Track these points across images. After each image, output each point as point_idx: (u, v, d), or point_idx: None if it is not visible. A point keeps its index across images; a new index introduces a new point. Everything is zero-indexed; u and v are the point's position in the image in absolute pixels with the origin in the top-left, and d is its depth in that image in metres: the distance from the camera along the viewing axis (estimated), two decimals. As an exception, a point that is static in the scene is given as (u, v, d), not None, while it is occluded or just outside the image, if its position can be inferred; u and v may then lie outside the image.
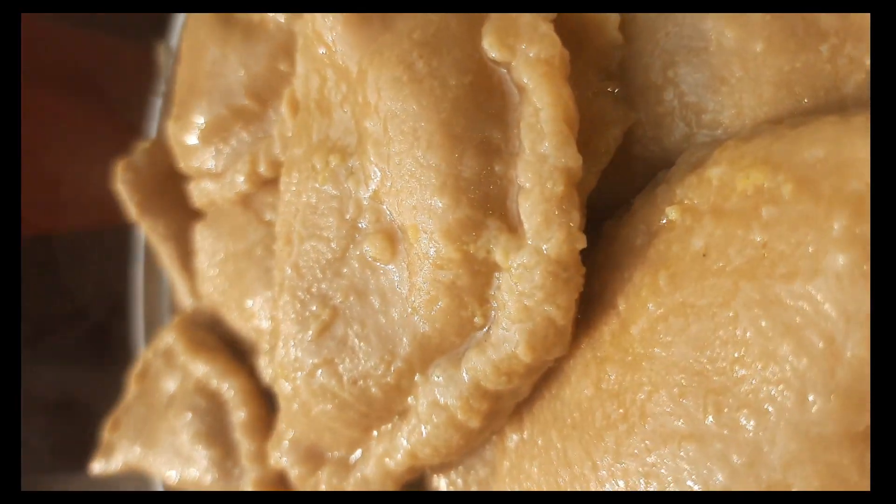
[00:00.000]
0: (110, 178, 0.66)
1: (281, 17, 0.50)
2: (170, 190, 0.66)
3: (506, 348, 0.35)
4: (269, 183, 0.54)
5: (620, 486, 0.31)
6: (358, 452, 0.45)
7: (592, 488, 0.33)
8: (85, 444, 0.69)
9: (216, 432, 0.56)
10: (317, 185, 0.40)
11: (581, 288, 0.33)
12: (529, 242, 0.33)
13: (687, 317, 0.30)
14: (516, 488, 0.38)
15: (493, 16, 0.34)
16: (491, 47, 0.33)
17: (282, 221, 0.43)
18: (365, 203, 0.38)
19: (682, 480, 0.29)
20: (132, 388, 0.70)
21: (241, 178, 0.52)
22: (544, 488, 0.36)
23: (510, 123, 0.33)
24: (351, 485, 0.43)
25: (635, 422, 0.31)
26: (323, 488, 0.44)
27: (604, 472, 0.33)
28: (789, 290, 0.27)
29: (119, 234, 0.77)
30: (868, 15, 0.32)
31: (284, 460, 0.47)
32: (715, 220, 0.30)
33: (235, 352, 0.59)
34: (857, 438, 0.26)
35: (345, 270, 0.40)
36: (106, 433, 0.69)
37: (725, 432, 0.28)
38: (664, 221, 0.32)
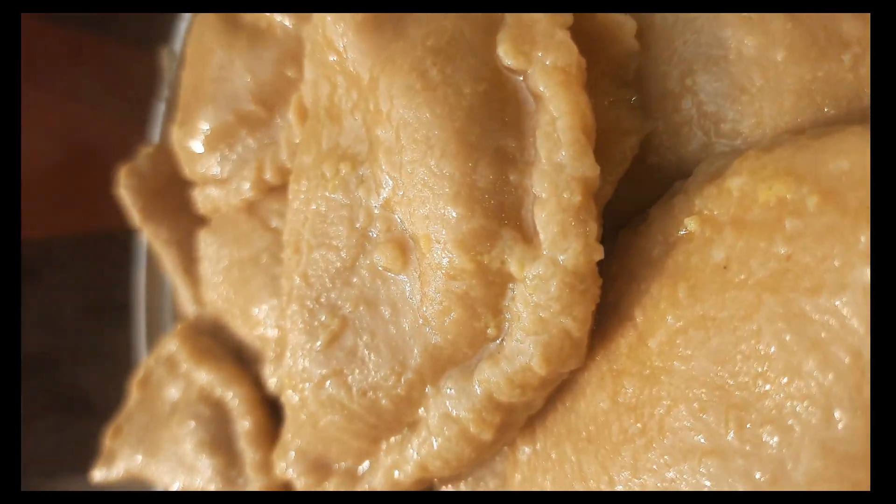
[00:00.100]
0: (113, 183, 0.66)
1: (288, 22, 0.49)
2: (173, 196, 0.65)
3: (520, 360, 0.34)
4: (275, 190, 0.53)
5: (638, 502, 0.31)
6: (366, 464, 0.44)
7: (609, 504, 0.32)
8: (85, 449, 0.69)
9: (220, 441, 0.56)
10: (326, 194, 0.39)
11: (598, 299, 0.32)
12: (545, 253, 0.32)
13: (707, 330, 0.29)
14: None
15: (509, 23, 0.34)
16: (506, 55, 0.33)
17: (290, 230, 0.42)
18: (376, 212, 0.37)
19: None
20: (134, 395, 0.69)
21: (246, 185, 0.52)
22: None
23: (525, 132, 0.33)
24: (359, 497, 0.43)
25: (654, 436, 0.31)
26: (331, 500, 0.44)
27: (621, 487, 0.32)
28: (815, 304, 0.26)
29: (120, 239, 0.77)
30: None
31: (290, 471, 0.47)
32: (736, 231, 0.29)
33: (240, 360, 0.59)
34: (884, 456, 0.26)
35: (354, 280, 0.39)
36: (107, 440, 0.68)
37: (748, 448, 0.28)
38: (682, 232, 0.32)
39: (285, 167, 0.50)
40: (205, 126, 0.54)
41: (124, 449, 0.66)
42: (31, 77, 0.72)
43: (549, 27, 0.32)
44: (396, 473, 0.41)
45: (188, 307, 0.67)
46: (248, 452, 0.54)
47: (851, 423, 0.25)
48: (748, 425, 0.28)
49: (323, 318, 0.40)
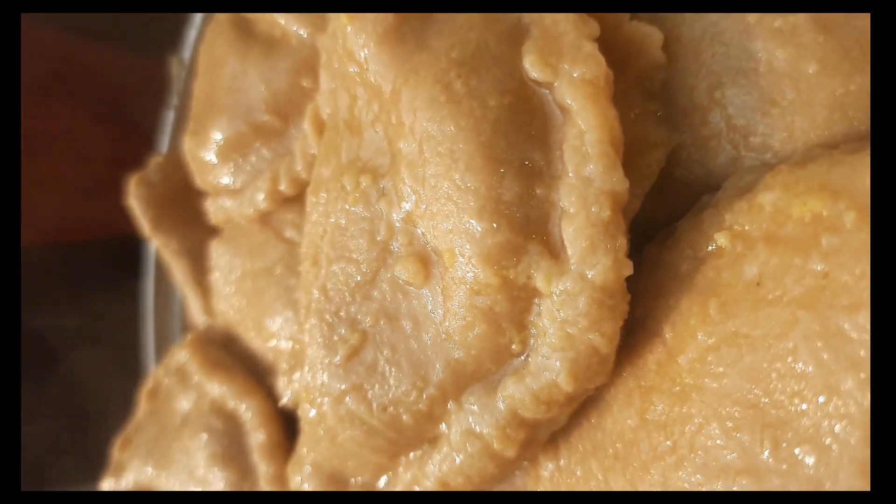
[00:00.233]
0: (123, 192, 0.65)
1: (303, 32, 0.49)
2: (183, 205, 0.65)
3: (546, 377, 0.34)
4: (289, 200, 0.53)
5: (669, 522, 0.30)
6: (384, 479, 0.44)
7: (638, 523, 0.32)
8: (92, 459, 0.68)
9: (233, 454, 0.55)
10: (346, 206, 0.39)
11: (626, 315, 0.32)
12: (573, 268, 0.32)
13: (740, 347, 0.29)
14: (552, 519, 0.37)
15: (534, 34, 0.33)
16: (533, 67, 0.32)
17: (308, 242, 0.42)
18: (397, 225, 0.37)
19: (736, 517, 0.28)
20: (142, 406, 0.68)
21: (261, 196, 0.51)
22: (584, 520, 0.35)
23: (552, 145, 0.32)
24: (377, 513, 0.42)
25: (684, 454, 0.30)
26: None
27: (650, 506, 0.31)
28: (853, 321, 0.26)
29: (129, 247, 0.76)
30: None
31: (306, 485, 0.46)
32: (769, 247, 0.29)
33: (252, 371, 0.58)
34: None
35: (375, 294, 0.38)
36: (115, 452, 0.67)
37: (784, 467, 0.27)
38: (712, 247, 0.31)
39: (300, 178, 0.50)
40: (218, 136, 0.53)
41: (133, 461, 0.65)
42: (39, 86, 0.72)
43: (577, 39, 0.32)
44: (416, 489, 0.40)
45: (198, 318, 0.67)
46: (262, 466, 0.53)
47: (893, 443, 0.25)
48: (784, 444, 0.27)
49: (342, 332, 0.39)
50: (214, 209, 0.57)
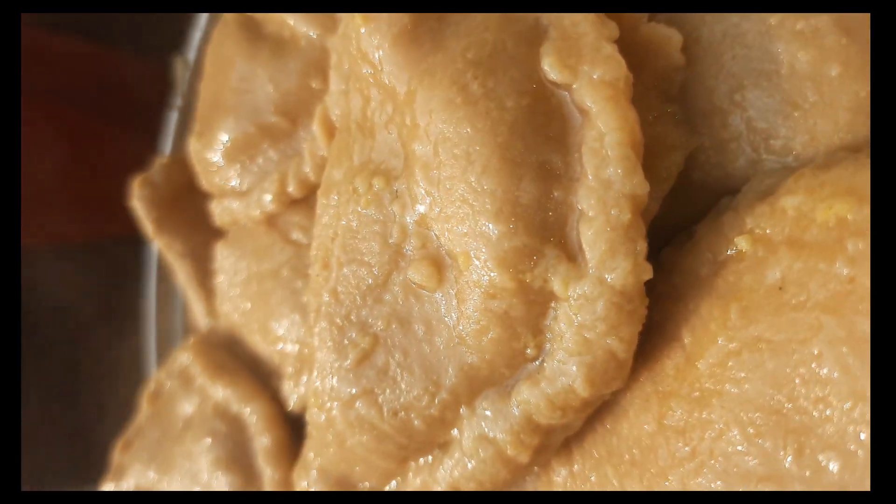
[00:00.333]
0: (125, 193, 0.65)
1: (313, 33, 0.48)
2: (187, 207, 0.64)
3: (562, 382, 0.33)
4: (296, 202, 0.52)
5: (689, 530, 0.30)
6: (392, 484, 0.43)
7: (656, 530, 0.31)
8: (93, 459, 0.68)
9: (237, 459, 0.54)
10: (359, 209, 0.38)
11: (644, 320, 0.32)
12: (592, 272, 0.31)
13: (762, 352, 0.29)
14: (566, 526, 0.37)
15: (552, 35, 0.33)
16: (552, 68, 0.32)
17: (318, 245, 0.42)
18: (410, 228, 0.37)
19: (758, 525, 0.28)
20: (144, 409, 0.68)
21: (268, 198, 0.51)
22: (599, 527, 0.35)
23: (570, 148, 0.32)
24: (386, 519, 0.42)
25: (704, 460, 0.30)
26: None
27: (668, 514, 0.31)
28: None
29: (131, 248, 0.76)
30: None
31: (312, 491, 0.46)
32: (793, 251, 0.28)
33: (256, 375, 0.58)
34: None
35: (387, 297, 0.38)
36: (116, 455, 0.67)
37: (807, 474, 0.27)
38: (732, 251, 0.31)
39: (309, 180, 0.49)
40: (224, 137, 0.53)
41: (135, 464, 0.64)
42: (40, 88, 0.71)
43: (596, 40, 0.31)
44: (426, 495, 0.40)
45: (201, 320, 0.66)
46: (268, 470, 0.52)
47: (920, 451, 0.25)
48: (808, 451, 0.27)
49: (353, 336, 0.39)
50: (220, 211, 0.56)
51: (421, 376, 0.37)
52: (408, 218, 0.37)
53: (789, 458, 0.27)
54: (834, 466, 0.27)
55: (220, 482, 0.54)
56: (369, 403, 0.39)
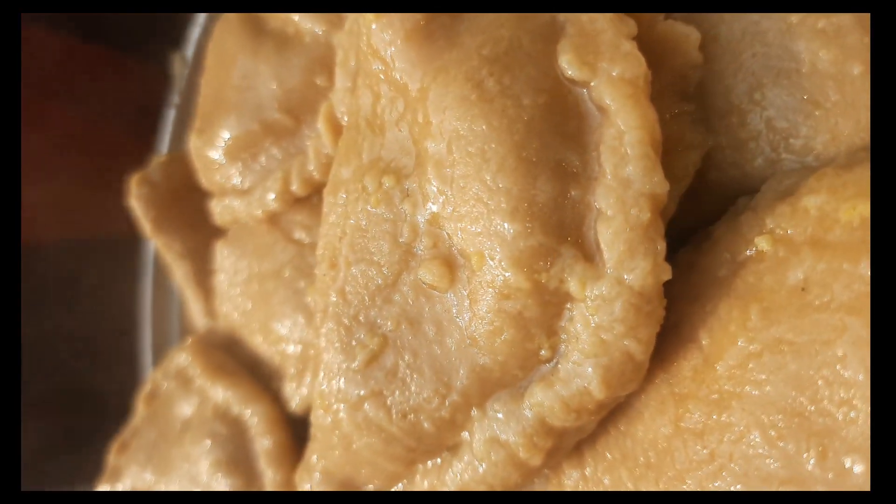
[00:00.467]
0: (123, 192, 0.64)
1: (318, 29, 0.48)
2: (186, 206, 0.63)
3: (577, 383, 0.33)
4: (299, 201, 0.52)
5: (708, 534, 0.30)
6: (398, 487, 0.42)
7: (673, 534, 0.31)
8: (88, 458, 0.67)
9: (237, 461, 0.54)
10: (368, 208, 0.38)
11: (662, 321, 0.31)
12: (610, 272, 0.31)
13: (784, 354, 0.28)
14: (578, 529, 0.36)
15: (570, 32, 0.32)
16: (570, 65, 0.31)
17: (325, 244, 0.41)
18: (421, 227, 0.36)
19: (780, 529, 0.27)
20: (140, 410, 0.67)
21: (271, 196, 0.50)
22: (613, 531, 0.34)
23: (588, 146, 0.32)
24: (393, 522, 0.41)
25: (724, 463, 0.30)
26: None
27: (686, 517, 0.31)
28: (907, 329, 0.25)
29: (127, 249, 0.75)
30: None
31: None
32: (816, 252, 0.28)
33: (256, 376, 0.57)
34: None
35: (396, 297, 0.37)
36: (111, 456, 0.66)
37: (830, 476, 0.27)
38: (751, 252, 0.31)
39: (313, 178, 0.49)
40: (226, 134, 0.52)
41: (131, 466, 0.63)
42: (37, 86, 0.70)
43: (615, 37, 0.31)
44: (434, 498, 0.39)
45: (199, 320, 0.65)
46: (269, 472, 0.52)
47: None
48: (831, 454, 0.27)
49: (361, 337, 0.38)
50: (220, 209, 0.55)
51: (431, 378, 0.37)
52: (419, 217, 0.36)
53: (812, 461, 0.27)
54: (858, 469, 0.26)
55: (221, 484, 0.53)
56: (378, 405, 0.38)
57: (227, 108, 0.52)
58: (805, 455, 0.27)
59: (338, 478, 0.44)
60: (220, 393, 0.56)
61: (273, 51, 0.49)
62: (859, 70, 0.30)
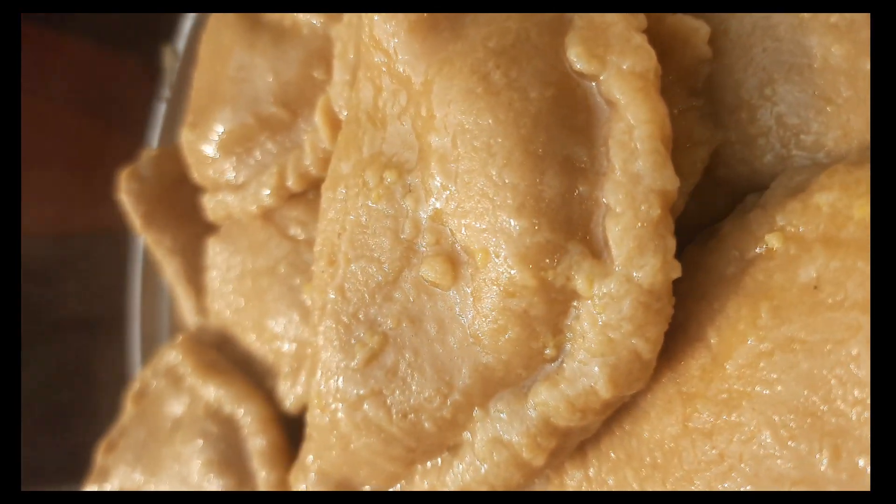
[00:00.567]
0: (111, 187, 0.62)
1: (316, 21, 0.47)
2: (177, 201, 0.62)
3: (583, 383, 0.32)
4: (294, 197, 0.51)
5: (717, 536, 0.29)
6: (396, 487, 0.42)
7: (681, 536, 0.30)
8: (76, 457, 0.65)
9: (230, 460, 0.53)
10: (369, 203, 0.37)
11: (670, 319, 0.31)
12: (618, 269, 0.30)
13: (796, 353, 0.28)
14: (581, 531, 0.36)
15: (578, 24, 0.32)
16: (578, 58, 0.31)
17: (323, 240, 0.40)
18: (424, 223, 0.35)
19: (792, 531, 0.27)
20: (128, 409, 0.66)
21: (266, 192, 0.49)
22: (617, 532, 0.34)
23: (596, 141, 0.31)
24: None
25: (733, 464, 0.29)
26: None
27: (693, 519, 0.30)
28: (923, 327, 0.25)
29: (115, 244, 0.73)
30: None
31: (312, 494, 0.44)
32: (828, 250, 0.28)
33: (249, 374, 0.56)
34: None
35: (397, 295, 0.37)
36: (99, 456, 0.64)
37: (844, 477, 0.26)
38: (761, 249, 0.30)
39: (309, 173, 0.48)
40: (220, 128, 0.51)
41: (119, 466, 0.62)
42: (25, 80, 0.69)
43: (625, 30, 0.30)
44: (434, 499, 0.39)
45: (189, 318, 0.64)
46: (262, 472, 0.51)
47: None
48: (845, 454, 0.26)
49: (361, 335, 0.38)
50: (213, 205, 0.54)
51: (433, 377, 0.36)
52: (421, 213, 0.35)
53: (825, 461, 0.27)
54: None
55: (212, 484, 0.53)
56: (377, 405, 0.37)
57: (221, 102, 0.51)
58: (818, 455, 0.27)
59: (334, 478, 0.44)
60: (212, 391, 0.55)
61: (270, 43, 0.48)
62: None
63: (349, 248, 0.38)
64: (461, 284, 0.35)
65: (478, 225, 0.33)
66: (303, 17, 0.47)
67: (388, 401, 0.37)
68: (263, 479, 0.51)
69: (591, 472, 0.36)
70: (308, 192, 0.50)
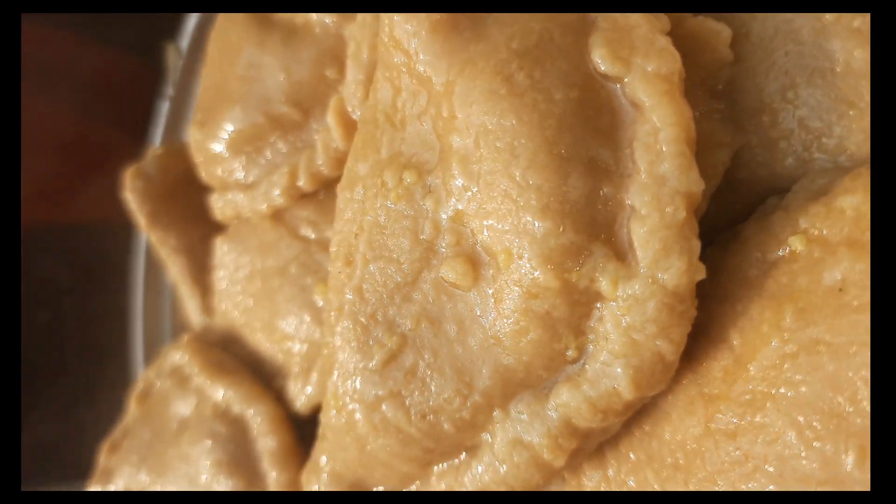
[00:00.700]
0: (113, 185, 0.62)
1: (329, 20, 0.47)
2: (182, 200, 0.62)
3: (605, 384, 0.32)
4: (305, 197, 0.50)
5: (741, 536, 0.29)
6: (412, 488, 0.42)
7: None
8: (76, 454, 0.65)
9: (239, 461, 0.52)
10: (388, 204, 0.37)
11: (693, 321, 0.31)
12: (643, 271, 0.30)
13: (821, 355, 0.28)
14: (600, 531, 0.36)
15: (602, 26, 0.32)
16: (603, 60, 0.31)
17: (339, 241, 0.40)
18: (444, 224, 0.35)
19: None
20: (132, 409, 0.65)
21: (276, 191, 0.49)
22: (638, 533, 0.34)
23: (621, 142, 0.31)
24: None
25: (758, 465, 0.29)
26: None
27: (717, 519, 0.30)
28: (951, 330, 0.25)
29: (118, 243, 0.73)
30: None
31: (325, 495, 0.44)
32: (852, 252, 0.28)
33: (258, 375, 0.56)
34: None
35: (416, 296, 0.37)
36: (102, 457, 0.64)
37: (869, 477, 0.27)
38: (784, 252, 0.30)
39: (321, 173, 0.47)
40: (230, 127, 0.51)
41: (123, 467, 0.62)
42: (34, 82, 0.68)
43: (650, 33, 0.30)
44: (450, 499, 0.39)
45: (195, 317, 0.64)
46: (273, 473, 0.51)
47: None
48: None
49: (379, 336, 0.38)
50: (222, 204, 0.54)
51: (452, 378, 0.36)
52: (442, 213, 0.35)
53: (850, 462, 0.27)
54: (898, 471, 0.26)
55: (222, 485, 0.52)
56: (396, 406, 0.37)
57: (231, 101, 0.50)
58: (843, 456, 0.27)
59: (347, 479, 0.44)
60: (221, 392, 0.55)
61: (281, 42, 0.48)
62: (895, 69, 0.30)
63: (367, 248, 0.38)
64: (482, 285, 0.35)
65: (500, 226, 0.33)
66: (315, 16, 0.47)
67: (407, 402, 0.37)
68: (274, 480, 0.51)
69: (610, 472, 0.36)
70: (319, 192, 0.50)
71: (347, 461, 0.42)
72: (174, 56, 0.69)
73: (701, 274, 0.30)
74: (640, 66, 0.30)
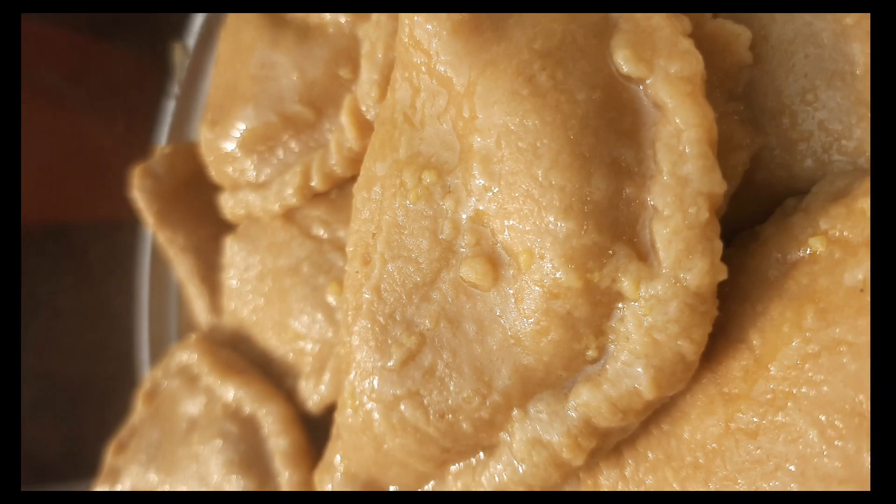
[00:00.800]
0: (121, 184, 0.62)
1: (343, 19, 0.47)
2: (190, 199, 0.62)
3: (626, 384, 0.32)
4: (317, 196, 0.50)
5: (763, 534, 0.30)
6: (428, 487, 0.42)
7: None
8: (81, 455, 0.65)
9: (251, 461, 0.53)
10: (407, 203, 0.37)
11: (713, 321, 0.31)
12: (665, 271, 0.30)
13: (842, 355, 0.28)
14: (618, 529, 0.36)
15: (624, 27, 0.32)
16: (626, 62, 0.31)
17: (357, 240, 0.40)
18: (464, 224, 0.35)
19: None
20: (139, 409, 0.65)
21: (289, 191, 0.49)
22: (657, 531, 0.34)
23: (643, 143, 0.31)
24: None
25: (779, 464, 0.30)
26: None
27: (737, 517, 0.31)
28: (974, 330, 0.25)
29: (124, 242, 0.73)
30: None
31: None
32: (875, 253, 0.28)
33: (268, 374, 0.56)
34: None
35: (435, 295, 0.37)
36: (109, 457, 0.64)
37: (892, 478, 0.27)
38: (804, 253, 0.31)
39: (334, 173, 0.48)
40: (241, 126, 0.51)
41: (131, 466, 0.62)
42: (32, 81, 0.68)
43: (672, 34, 0.31)
44: (467, 498, 0.39)
45: (203, 317, 0.64)
46: (285, 473, 0.51)
47: None
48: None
49: (398, 335, 0.38)
50: (233, 203, 0.54)
51: (471, 377, 0.36)
52: (462, 213, 0.35)
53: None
54: (921, 469, 0.26)
55: (234, 484, 0.52)
56: (415, 405, 0.37)
57: (243, 100, 0.50)
58: (865, 455, 0.27)
59: (361, 479, 0.44)
60: (231, 391, 0.55)
61: (294, 41, 0.48)
62: (916, 72, 0.30)
63: (385, 248, 0.38)
64: (502, 285, 0.35)
65: (522, 226, 0.33)
66: (329, 16, 0.47)
67: (426, 401, 0.37)
68: (286, 480, 0.51)
69: (628, 471, 0.36)
70: (331, 192, 0.50)
71: (362, 460, 0.42)
72: (181, 55, 0.69)
73: (723, 274, 0.30)
74: (662, 68, 0.30)
